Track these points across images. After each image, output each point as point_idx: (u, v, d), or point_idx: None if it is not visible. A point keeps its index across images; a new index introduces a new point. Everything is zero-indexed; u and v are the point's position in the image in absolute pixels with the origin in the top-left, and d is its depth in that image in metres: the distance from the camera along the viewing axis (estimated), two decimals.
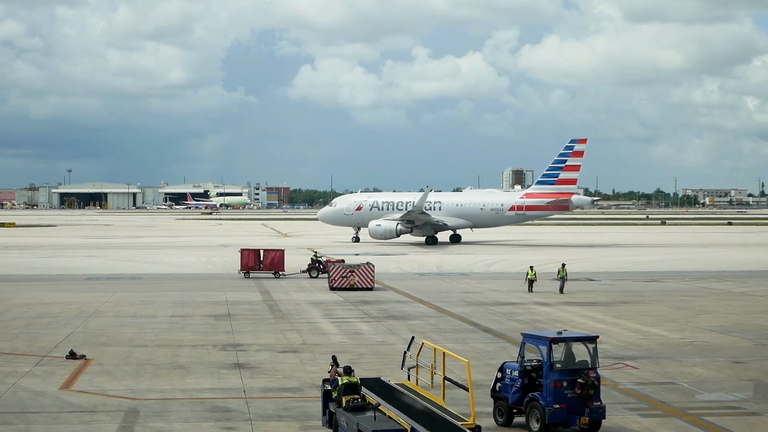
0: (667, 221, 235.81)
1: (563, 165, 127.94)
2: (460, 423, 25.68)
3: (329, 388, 28.07)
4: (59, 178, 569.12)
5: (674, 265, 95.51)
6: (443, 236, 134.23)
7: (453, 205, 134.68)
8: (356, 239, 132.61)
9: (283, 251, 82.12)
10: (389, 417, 25.73)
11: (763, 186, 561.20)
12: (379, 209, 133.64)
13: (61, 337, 46.39)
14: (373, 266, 70.69)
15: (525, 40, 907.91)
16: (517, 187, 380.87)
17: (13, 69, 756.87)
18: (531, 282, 67.91)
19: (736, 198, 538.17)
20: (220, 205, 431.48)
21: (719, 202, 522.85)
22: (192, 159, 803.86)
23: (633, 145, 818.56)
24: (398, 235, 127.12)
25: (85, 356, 40.83)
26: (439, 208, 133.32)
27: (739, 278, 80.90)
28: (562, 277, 67.32)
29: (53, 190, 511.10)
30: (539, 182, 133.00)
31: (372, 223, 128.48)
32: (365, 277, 69.21)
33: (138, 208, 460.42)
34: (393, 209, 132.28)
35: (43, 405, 32.21)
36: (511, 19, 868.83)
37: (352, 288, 68.20)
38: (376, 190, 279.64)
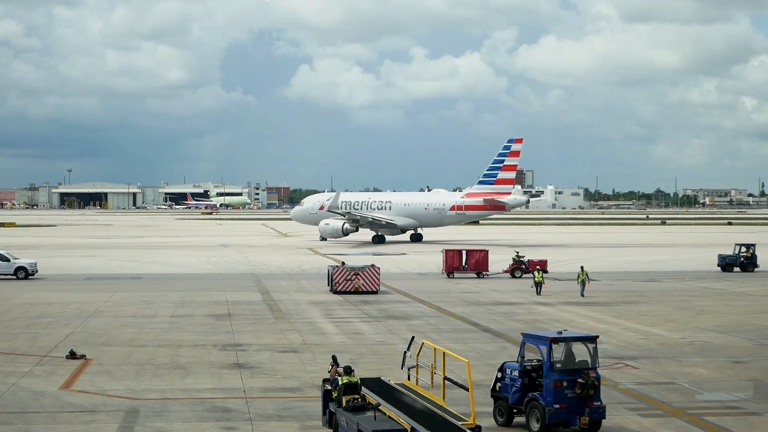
0: (667, 221, 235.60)
1: (501, 165, 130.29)
2: (460, 423, 25.69)
3: (329, 388, 28.08)
4: (59, 178, 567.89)
5: (674, 265, 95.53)
6: (405, 236, 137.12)
7: (402, 204, 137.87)
8: (323, 238, 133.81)
9: (487, 252, 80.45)
10: (389, 417, 25.73)
11: (763, 186, 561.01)
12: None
13: (61, 337, 46.42)
14: (378, 269, 67.95)
15: (523, 40, 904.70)
16: (518, 187, 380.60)
17: (11, 69, 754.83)
18: (539, 285, 66.52)
19: (736, 198, 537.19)
20: (220, 205, 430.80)
21: (719, 202, 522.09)
22: (192, 159, 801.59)
23: (632, 145, 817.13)
24: (345, 234, 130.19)
25: (85, 356, 40.85)
26: (390, 208, 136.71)
27: (739, 278, 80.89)
28: (583, 280, 65.75)
29: (53, 190, 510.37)
30: (480, 182, 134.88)
31: (322, 222, 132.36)
32: (370, 280, 66.82)
33: (138, 208, 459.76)
34: (350, 209, 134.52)
35: (43, 405, 32.23)
36: (509, 19, 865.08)
37: (356, 291, 65.98)
38: (376, 189, 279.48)
